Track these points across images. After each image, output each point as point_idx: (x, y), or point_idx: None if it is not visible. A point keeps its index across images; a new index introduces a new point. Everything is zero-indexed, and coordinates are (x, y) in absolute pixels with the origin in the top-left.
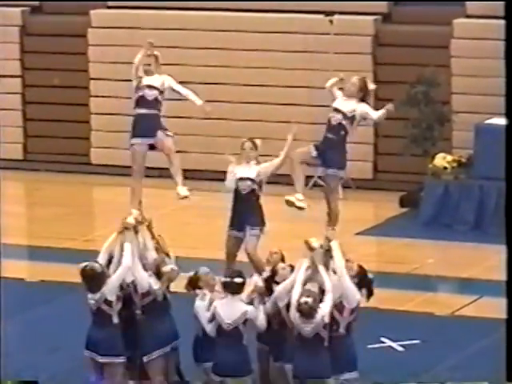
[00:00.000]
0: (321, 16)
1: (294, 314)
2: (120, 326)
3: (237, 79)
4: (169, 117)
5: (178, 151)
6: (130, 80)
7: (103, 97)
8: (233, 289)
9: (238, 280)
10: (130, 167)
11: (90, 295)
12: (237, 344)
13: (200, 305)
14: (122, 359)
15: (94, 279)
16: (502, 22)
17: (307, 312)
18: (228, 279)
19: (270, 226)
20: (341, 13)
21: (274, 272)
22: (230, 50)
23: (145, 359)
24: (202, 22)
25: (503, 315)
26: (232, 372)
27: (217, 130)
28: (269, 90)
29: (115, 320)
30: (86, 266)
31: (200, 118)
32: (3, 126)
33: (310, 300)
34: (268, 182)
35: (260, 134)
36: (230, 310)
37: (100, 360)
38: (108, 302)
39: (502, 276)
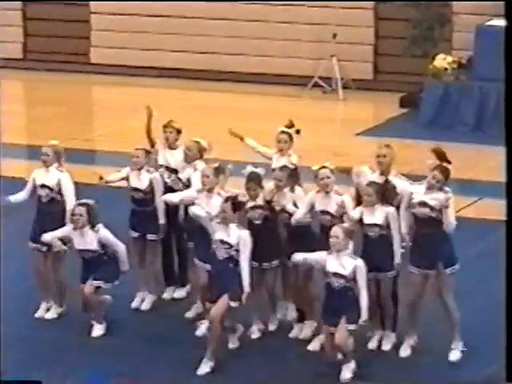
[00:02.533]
0: None
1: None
2: None
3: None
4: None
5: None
6: None
7: None
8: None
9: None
10: (129, 67)
11: None
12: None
13: None
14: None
15: None
16: None
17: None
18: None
19: (270, 126)
20: None
21: None
22: (239, 20)
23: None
24: None
25: (503, 217)
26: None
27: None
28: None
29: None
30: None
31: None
32: (2, 25)
33: None
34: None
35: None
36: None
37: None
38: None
39: (502, 177)
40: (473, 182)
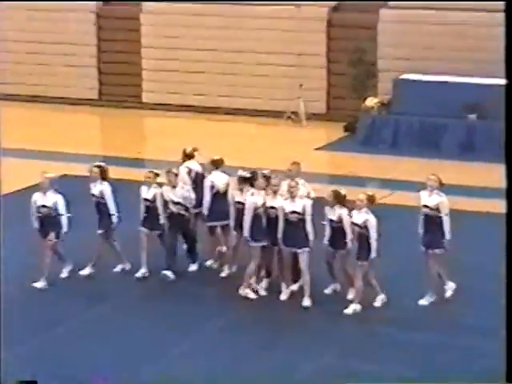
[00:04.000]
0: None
1: None
2: None
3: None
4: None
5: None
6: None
7: (152, 59)
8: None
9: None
10: (166, 104)
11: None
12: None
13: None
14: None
15: None
16: (416, 12)
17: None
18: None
19: (260, 143)
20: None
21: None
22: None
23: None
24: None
25: (412, 203)
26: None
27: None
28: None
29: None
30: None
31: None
32: (84, 76)
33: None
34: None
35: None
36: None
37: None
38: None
39: (413, 177)
40: (389, 180)
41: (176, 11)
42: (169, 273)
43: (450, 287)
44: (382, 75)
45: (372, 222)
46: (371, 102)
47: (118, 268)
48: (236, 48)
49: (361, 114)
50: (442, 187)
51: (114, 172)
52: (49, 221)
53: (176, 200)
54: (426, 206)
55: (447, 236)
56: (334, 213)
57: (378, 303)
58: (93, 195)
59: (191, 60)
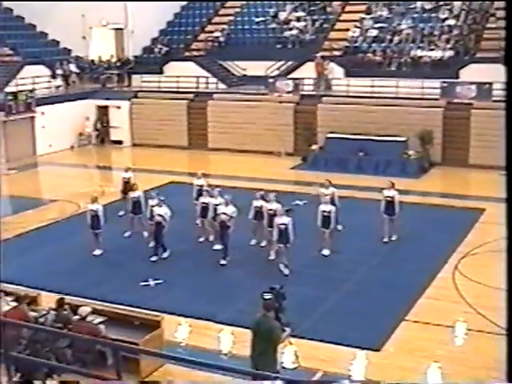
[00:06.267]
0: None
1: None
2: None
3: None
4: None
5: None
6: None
7: (213, 126)
8: None
9: None
10: (218, 148)
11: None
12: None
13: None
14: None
15: None
16: (334, 105)
17: None
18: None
19: (260, 167)
20: (282, 102)
21: None
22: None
23: None
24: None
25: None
26: None
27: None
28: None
29: None
30: None
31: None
32: (179, 130)
33: None
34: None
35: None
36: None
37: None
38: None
39: (352, 182)
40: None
41: (222, 105)
42: (155, 258)
43: (395, 236)
44: (320, 134)
45: (333, 209)
46: (314, 147)
47: (127, 234)
48: (251, 120)
49: (309, 153)
50: (394, 187)
51: (190, 180)
52: (94, 219)
53: (159, 213)
54: (386, 196)
55: (397, 210)
56: (327, 207)
57: (326, 252)
58: (132, 197)
59: (231, 127)
